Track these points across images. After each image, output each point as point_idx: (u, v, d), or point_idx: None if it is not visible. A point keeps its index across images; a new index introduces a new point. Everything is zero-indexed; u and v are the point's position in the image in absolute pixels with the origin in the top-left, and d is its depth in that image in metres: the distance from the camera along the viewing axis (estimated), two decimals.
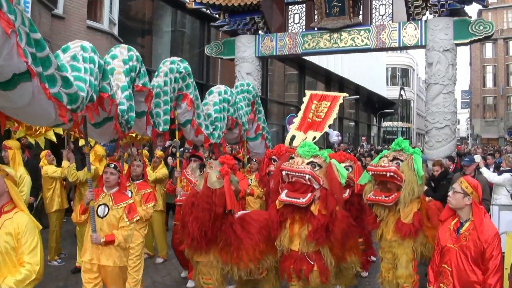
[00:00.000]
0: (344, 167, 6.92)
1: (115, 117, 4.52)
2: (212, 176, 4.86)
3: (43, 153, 8.03)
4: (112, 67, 4.77)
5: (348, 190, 6.73)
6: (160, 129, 5.81)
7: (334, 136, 17.03)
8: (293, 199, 4.82)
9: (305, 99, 9.30)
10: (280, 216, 4.96)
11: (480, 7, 15.02)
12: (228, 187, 4.80)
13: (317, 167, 4.95)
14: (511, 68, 50.85)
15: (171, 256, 8.18)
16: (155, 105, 5.65)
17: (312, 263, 4.83)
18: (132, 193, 5.91)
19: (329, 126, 8.67)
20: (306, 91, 8.40)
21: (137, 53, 5.04)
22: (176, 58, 6.06)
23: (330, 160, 5.14)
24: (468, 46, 29.73)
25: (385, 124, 52.65)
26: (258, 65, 14.85)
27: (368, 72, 37.36)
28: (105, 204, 4.80)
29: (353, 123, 39.78)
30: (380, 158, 5.60)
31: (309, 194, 4.82)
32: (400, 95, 47.38)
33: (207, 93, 7.28)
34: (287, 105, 26.73)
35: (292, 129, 9.08)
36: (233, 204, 4.81)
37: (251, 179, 7.86)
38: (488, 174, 8.28)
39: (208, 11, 15.69)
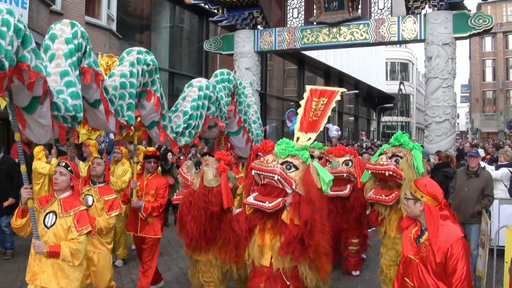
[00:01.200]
0: (343, 161, 6.85)
1: (48, 99, 3.66)
2: (208, 174, 4.78)
3: (38, 148, 7.96)
4: (52, 53, 3.97)
5: (348, 186, 6.69)
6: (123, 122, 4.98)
7: (334, 131, 17.02)
8: (258, 203, 4.17)
9: (305, 95, 9.25)
10: (249, 222, 4.33)
11: (479, 0, 14.94)
12: (225, 185, 4.66)
13: (293, 169, 4.24)
14: (511, 62, 50.77)
15: (171, 252, 8.20)
16: (119, 97, 4.86)
17: (288, 283, 4.16)
18: (93, 198, 5.14)
19: (329, 121, 8.67)
20: (306, 86, 8.31)
21: (82, 29, 4.20)
22: (142, 49, 5.28)
23: (311, 162, 4.43)
24: (468, 40, 29.71)
25: (384, 118, 52.69)
26: (257, 60, 14.82)
27: (368, 66, 37.34)
28: (54, 212, 4.02)
29: (353, 118, 39.77)
30: (379, 155, 5.53)
31: (279, 199, 4.13)
32: (400, 89, 47.34)
33: (186, 85, 6.42)
34: (286, 100, 26.72)
35: (296, 131, 9.04)
36: (230, 202, 4.66)
37: None
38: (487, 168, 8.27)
39: (206, 6, 15.64)
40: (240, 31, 14.65)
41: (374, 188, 5.54)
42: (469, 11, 12.57)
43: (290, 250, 4.04)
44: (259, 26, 14.87)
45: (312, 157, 7.60)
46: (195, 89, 6.15)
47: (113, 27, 14.30)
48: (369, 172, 5.52)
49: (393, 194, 5.24)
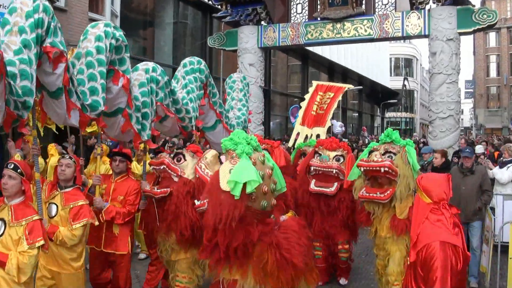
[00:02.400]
0: (334, 156, 6.29)
1: (3, 93, 3.18)
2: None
3: (51, 145, 7.93)
4: (9, 28, 3.46)
5: (336, 184, 6.13)
6: (98, 111, 4.28)
7: (338, 127, 16.99)
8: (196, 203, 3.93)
9: (311, 90, 9.19)
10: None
11: None
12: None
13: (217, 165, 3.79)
14: None
15: None
16: (88, 79, 4.19)
17: None
18: (57, 206, 4.32)
19: (332, 117, 8.63)
20: (313, 81, 8.25)
21: (46, 3, 3.62)
22: (110, 22, 4.60)
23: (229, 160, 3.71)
24: (472, 36, 29.59)
25: (388, 114, 52.52)
26: (260, 56, 14.79)
27: (372, 62, 37.24)
28: (2, 220, 3.54)
29: (357, 114, 39.75)
30: (369, 152, 5.33)
31: (204, 201, 3.78)
32: (404, 85, 47.19)
33: (131, 70, 5.39)
34: (290, 96, 26.71)
35: (296, 125, 8.89)
36: None
37: None
38: (500, 175, 8.18)
39: (210, 2, 15.63)
40: (243, 27, 14.62)
41: (364, 186, 5.29)
42: (473, 6, 12.50)
43: (204, 256, 3.75)
44: (262, 22, 14.84)
45: (304, 155, 7.50)
46: (141, 72, 5.25)
47: (117, 23, 14.30)
48: (362, 169, 5.26)
49: (388, 191, 5.02)
